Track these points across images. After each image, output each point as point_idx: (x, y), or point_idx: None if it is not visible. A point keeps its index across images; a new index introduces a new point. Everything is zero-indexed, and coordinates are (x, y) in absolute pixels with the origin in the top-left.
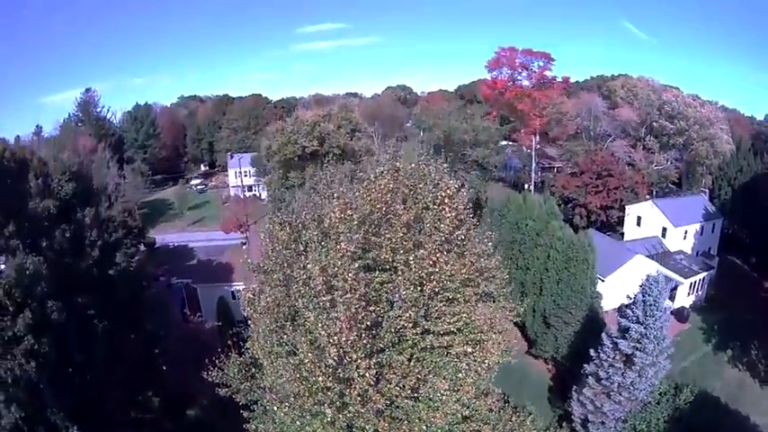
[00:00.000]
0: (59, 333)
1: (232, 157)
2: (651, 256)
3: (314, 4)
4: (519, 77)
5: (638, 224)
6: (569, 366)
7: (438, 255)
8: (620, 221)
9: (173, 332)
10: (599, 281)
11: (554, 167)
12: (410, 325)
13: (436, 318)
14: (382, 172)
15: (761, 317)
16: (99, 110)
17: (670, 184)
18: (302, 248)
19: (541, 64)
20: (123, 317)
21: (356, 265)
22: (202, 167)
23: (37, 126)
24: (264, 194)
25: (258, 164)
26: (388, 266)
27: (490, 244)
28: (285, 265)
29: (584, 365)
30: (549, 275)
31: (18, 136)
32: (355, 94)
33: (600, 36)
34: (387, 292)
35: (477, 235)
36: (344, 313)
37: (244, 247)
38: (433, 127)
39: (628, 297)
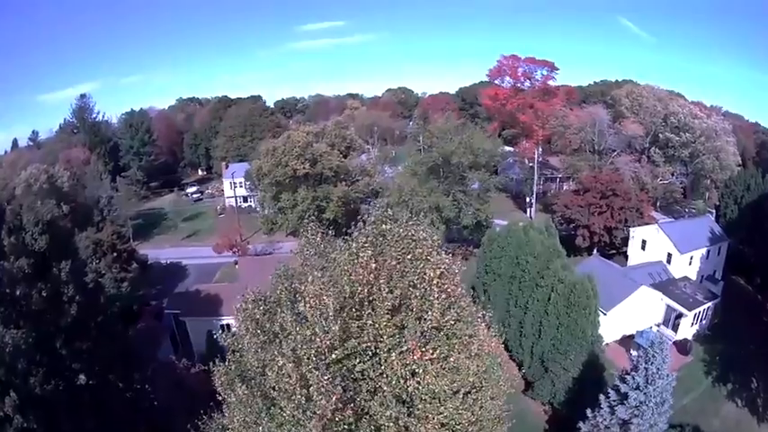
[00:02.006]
0: (46, 406)
1: (227, 167)
2: (655, 284)
3: (314, 2)
4: (522, 87)
5: (643, 248)
6: (566, 413)
7: (423, 350)
8: (625, 242)
9: (160, 377)
10: (601, 314)
11: (557, 178)
12: (391, 424)
13: (418, 414)
14: (364, 243)
15: (762, 346)
16: (94, 116)
17: (675, 196)
18: (277, 329)
19: (545, 73)
20: (110, 369)
21: (333, 356)
22: (200, 172)
23: (33, 132)
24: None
25: (251, 179)
26: (369, 353)
27: (483, 324)
28: (259, 349)
29: (580, 423)
30: (548, 319)
31: (15, 140)
32: (356, 95)
33: (600, 34)
34: (367, 382)
35: (468, 305)
36: (317, 425)
37: (237, 266)
38: (432, 147)
39: (628, 371)
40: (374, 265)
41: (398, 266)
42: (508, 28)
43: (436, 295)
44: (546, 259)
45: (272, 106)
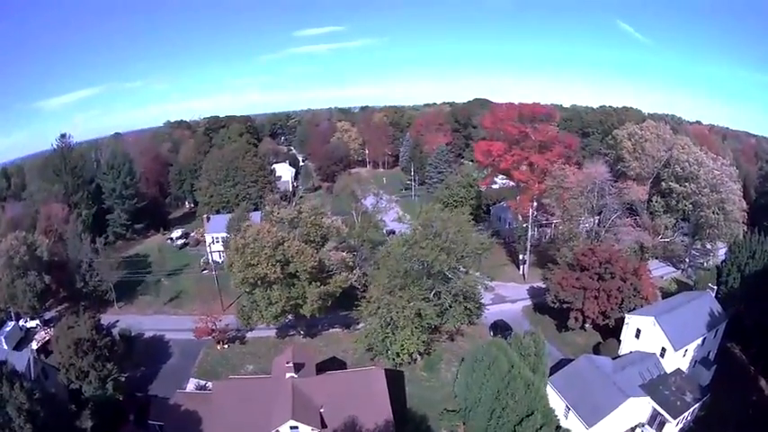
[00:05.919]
0: None
1: (209, 219)
2: (644, 384)
3: (315, 7)
4: (518, 141)
5: (637, 336)
6: None
7: None
8: (619, 323)
9: None
10: (583, 429)
11: (551, 223)
12: None
13: None
14: None
15: None
16: (75, 142)
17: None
18: None
19: (543, 119)
20: None
21: None
22: (187, 205)
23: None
24: None
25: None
26: None
27: None
28: None
29: None
30: None
31: (5, 165)
32: (347, 110)
33: (600, 38)
34: None
35: None
36: None
37: (218, 347)
38: (414, 246)
39: None
40: None
41: None
42: (508, 33)
43: None
44: (528, 404)
45: (265, 113)
